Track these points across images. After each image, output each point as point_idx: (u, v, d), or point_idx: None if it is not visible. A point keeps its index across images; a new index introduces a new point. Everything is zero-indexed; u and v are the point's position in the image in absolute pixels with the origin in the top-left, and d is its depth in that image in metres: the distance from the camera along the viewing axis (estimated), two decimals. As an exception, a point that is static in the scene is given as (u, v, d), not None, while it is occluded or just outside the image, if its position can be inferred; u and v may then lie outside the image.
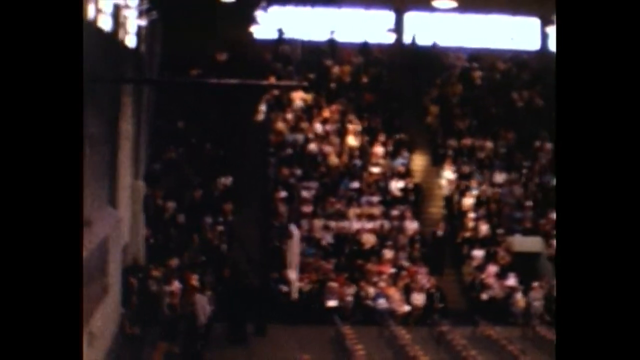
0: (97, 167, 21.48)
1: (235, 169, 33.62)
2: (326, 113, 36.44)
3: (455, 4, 34.03)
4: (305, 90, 36.11)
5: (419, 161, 36.00)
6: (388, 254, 31.33)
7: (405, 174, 34.78)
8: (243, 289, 27.33)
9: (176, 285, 27.09)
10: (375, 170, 34.64)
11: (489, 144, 36.38)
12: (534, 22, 40.35)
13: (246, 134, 34.65)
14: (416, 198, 34.10)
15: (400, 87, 38.45)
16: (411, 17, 39.93)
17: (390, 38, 39.63)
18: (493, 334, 26.44)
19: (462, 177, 34.72)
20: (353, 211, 32.80)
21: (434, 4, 34.58)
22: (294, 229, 28.62)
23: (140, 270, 28.07)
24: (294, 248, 28.11)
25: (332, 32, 39.22)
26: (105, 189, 23.55)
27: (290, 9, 38.41)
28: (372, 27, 39.74)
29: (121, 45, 26.51)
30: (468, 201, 33.71)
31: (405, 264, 31.13)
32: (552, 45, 39.64)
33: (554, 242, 31.64)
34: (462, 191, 34.14)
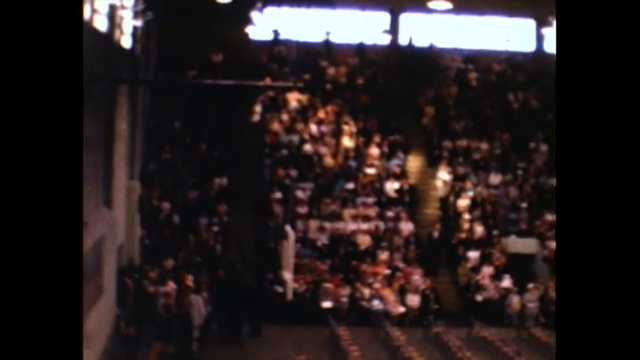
0: (93, 168, 21.44)
1: (230, 170, 33.60)
2: (321, 114, 36.43)
3: (450, 6, 34.09)
4: (301, 91, 36.13)
5: (414, 162, 36.00)
6: (383, 255, 31.33)
7: (401, 175, 34.78)
8: (238, 290, 27.31)
9: (171, 285, 27.06)
10: (371, 171, 34.63)
11: (484, 146, 36.39)
12: (530, 23, 40.37)
13: (241, 134, 34.65)
14: (411, 199, 34.11)
15: (396, 89, 38.44)
16: (406, 19, 39.94)
17: (386, 39, 39.63)
18: (488, 336, 26.47)
19: (457, 178, 34.71)
20: (348, 212, 32.79)
21: (430, 5, 34.64)
22: (289, 230, 28.62)
23: (135, 271, 28.05)
24: (289, 249, 28.12)
25: (327, 33, 39.22)
26: (100, 190, 23.53)
27: (285, 10, 38.44)
28: (368, 28, 39.73)
29: (117, 45, 26.49)
30: (463, 202, 33.72)
31: (400, 265, 31.12)
32: (548, 47, 39.72)
33: (549, 243, 31.76)
34: (458, 192, 34.15)
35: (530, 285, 30.17)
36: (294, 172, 33.95)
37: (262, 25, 36.30)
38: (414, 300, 29.51)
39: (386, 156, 35.37)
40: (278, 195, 32.75)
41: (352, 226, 32.37)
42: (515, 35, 40.53)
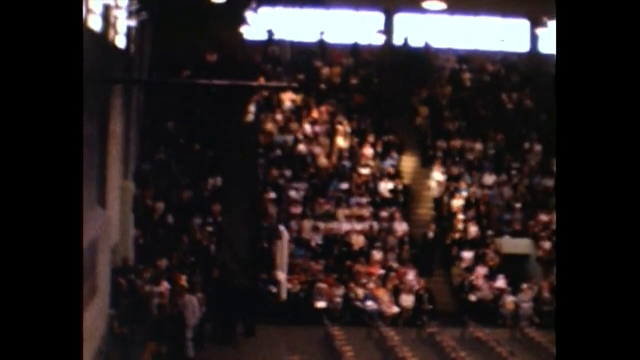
0: (87, 168, 21.36)
1: (224, 170, 33.58)
2: (315, 114, 36.43)
3: (444, 6, 34.15)
4: (295, 91, 36.15)
5: (408, 162, 36.01)
6: (377, 255, 31.34)
7: (395, 175, 34.80)
8: (232, 290, 27.28)
9: (165, 285, 26.99)
10: (365, 171, 34.64)
11: (479, 146, 36.43)
12: (524, 24, 40.43)
13: (235, 134, 34.62)
14: (405, 199, 34.14)
15: (390, 89, 38.46)
16: (401, 19, 39.96)
17: (380, 39, 39.65)
18: (482, 336, 26.51)
19: (451, 178, 34.74)
20: (342, 212, 32.79)
21: (424, 5, 34.69)
22: (283, 230, 28.64)
23: (129, 271, 27.98)
24: (283, 249, 28.15)
25: (321, 33, 39.22)
26: (94, 190, 23.45)
27: (279, 10, 38.44)
28: (362, 29, 39.76)
29: (111, 45, 26.43)
30: (457, 203, 33.75)
31: (395, 265, 31.15)
32: (542, 47, 39.81)
33: (543, 244, 31.86)
34: (452, 193, 34.18)
35: (524, 286, 30.22)
36: (288, 172, 33.95)
37: (256, 25, 36.31)
38: (408, 300, 29.53)
39: (380, 156, 35.39)
40: (272, 195, 32.74)
41: (346, 226, 32.39)
42: (510, 35, 40.59)
